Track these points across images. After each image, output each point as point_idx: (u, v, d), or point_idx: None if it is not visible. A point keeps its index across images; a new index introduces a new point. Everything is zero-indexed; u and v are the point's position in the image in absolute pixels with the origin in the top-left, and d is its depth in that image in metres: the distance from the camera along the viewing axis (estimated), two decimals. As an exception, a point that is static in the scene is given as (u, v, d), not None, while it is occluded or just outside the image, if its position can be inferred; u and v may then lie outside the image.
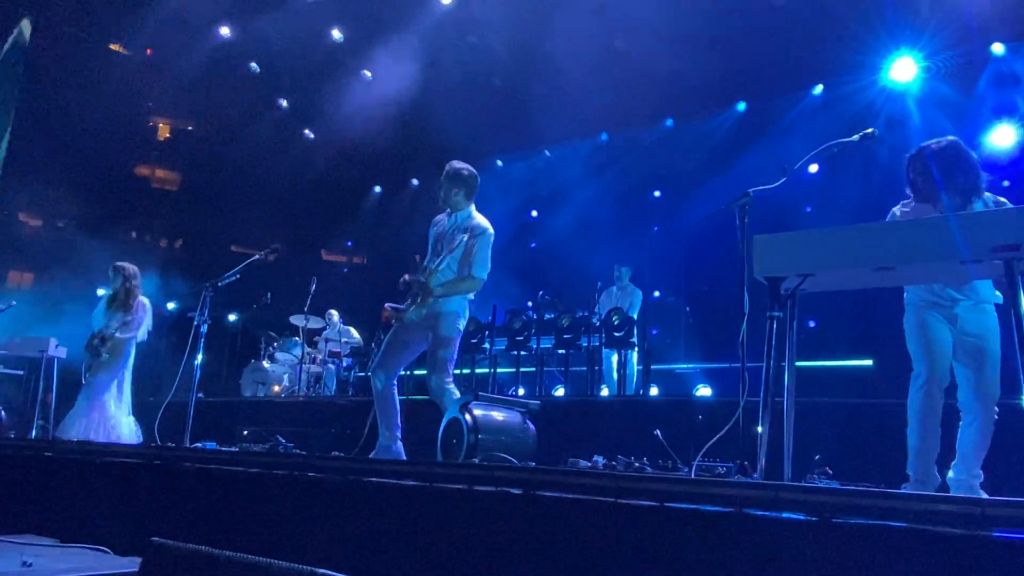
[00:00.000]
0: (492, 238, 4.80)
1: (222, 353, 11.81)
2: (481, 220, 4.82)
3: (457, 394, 4.68)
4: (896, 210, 3.80)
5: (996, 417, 3.46)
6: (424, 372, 5.00)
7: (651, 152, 11.66)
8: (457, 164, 4.87)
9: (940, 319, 3.57)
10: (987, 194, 3.61)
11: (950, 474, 3.52)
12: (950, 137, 3.66)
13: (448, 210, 4.89)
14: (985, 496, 3.19)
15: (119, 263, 6.80)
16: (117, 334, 6.56)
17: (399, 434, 4.76)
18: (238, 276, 5.92)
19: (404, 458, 4.73)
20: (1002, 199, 3.58)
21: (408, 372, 7.30)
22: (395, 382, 4.83)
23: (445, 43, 10.98)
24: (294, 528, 3.20)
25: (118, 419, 6.54)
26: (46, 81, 11.95)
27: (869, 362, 7.51)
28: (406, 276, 4.84)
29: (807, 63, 9.70)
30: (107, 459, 4.10)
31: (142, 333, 6.69)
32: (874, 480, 3.53)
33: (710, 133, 11.18)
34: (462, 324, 4.81)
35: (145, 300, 6.76)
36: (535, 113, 10.83)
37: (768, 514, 2.12)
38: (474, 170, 4.91)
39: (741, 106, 11.06)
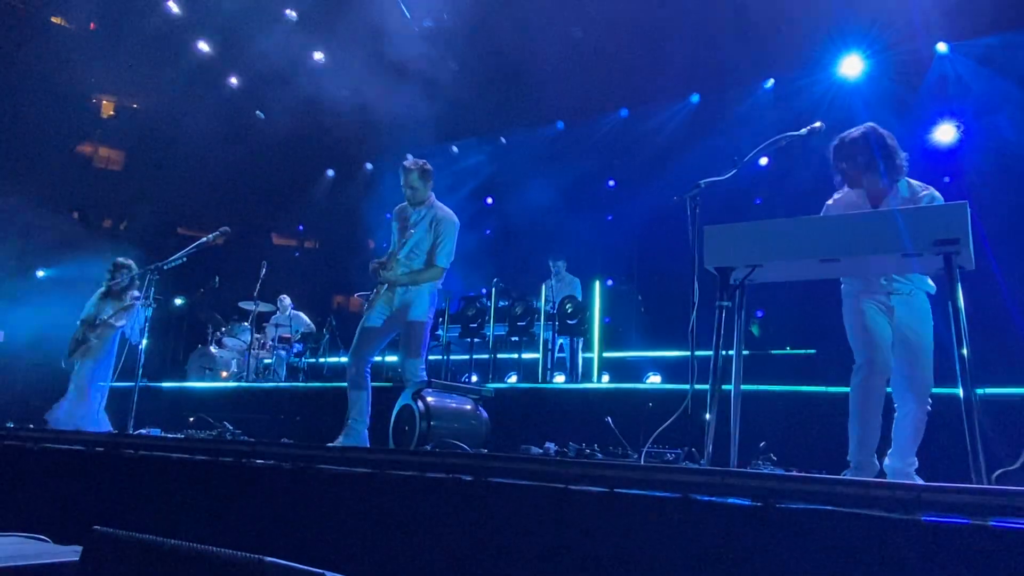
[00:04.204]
0: (458, 228, 5.02)
1: (168, 338, 11.55)
2: (447, 211, 5.04)
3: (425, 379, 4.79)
4: (829, 202, 3.92)
5: (929, 408, 3.57)
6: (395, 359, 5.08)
7: (606, 141, 11.73)
8: (418, 160, 5.07)
9: (878, 310, 3.66)
10: (912, 180, 3.73)
11: (886, 462, 3.63)
12: (868, 124, 3.81)
13: (411, 201, 5.04)
14: (921, 482, 3.30)
15: (121, 260, 6.96)
16: (110, 320, 6.64)
17: (368, 420, 4.85)
18: (184, 259, 5.80)
19: (368, 445, 4.77)
20: (929, 188, 3.70)
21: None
22: (368, 369, 4.94)
23: (400, 26, 10.85)
24: (241, 516, 3.16)
25: (102, 412, 6.55)
26: (-18, 54, 11.46)
27: (812, 351, 7.69)
28: (375, 263, 4.95)
29: (759, 57, 9.85)
30: (46, 446, 3.98)
31: (136, 333, 6.64)
32: (817, 466, 3.63)
33: (664, 124, 11.28)
34: (432, 311, 4.98)
35: (137, 294, 6.72)
36: (491, 100, 10.80)
37: (714, 499, 2.17)
38: None
39: (695, 98, 11.19)
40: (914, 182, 3.73)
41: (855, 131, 3.79)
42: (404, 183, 4.98)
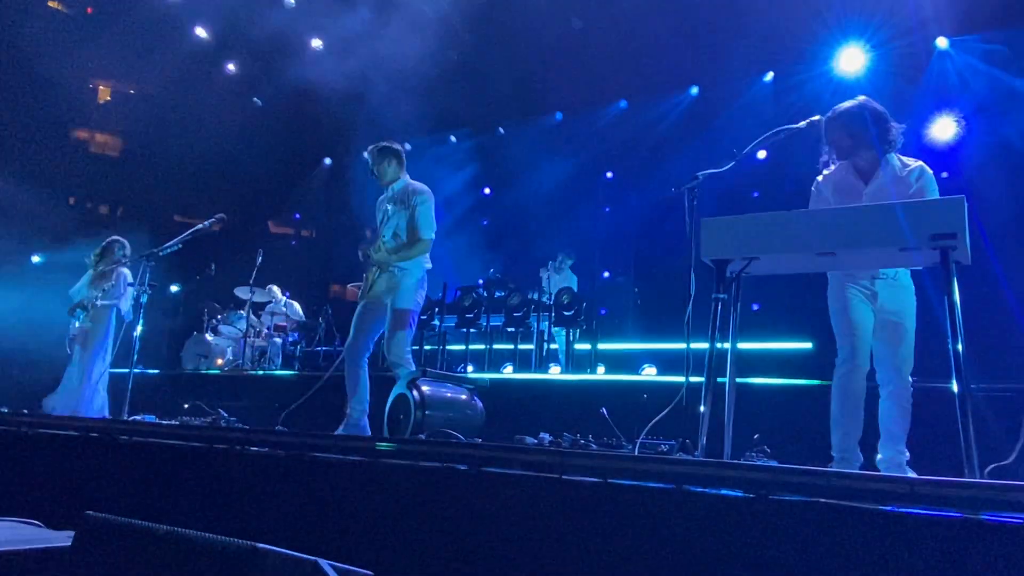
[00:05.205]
0: (432, 199, 5.05)
1: (163, 325, 11.52)
2: (419, 185, 5.10)
3: (413, 365, 4.81)
4: (819, 178, 3.91)
5: (912, 388, 3.56)
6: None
7: (605, 133, 11.70)
8: (382, 143, 5.20)
9: (862, 299, 3.67)
10: (902, 156, 3.74)
11: (878, 455, 3.63)
12: (860, 97, 3.80)
13: (383, 181, 5.15)
14: (914, 475, 3.31)
15: (114, 238, 6.90)
16: (99, 301, 6.57)
17: (367, 408, 4.87)
18: (180, 246, 5.79)
19: (369, 434, 4.79)
20: (919, 162, 3.70)
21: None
22: (366, 358, 4.96)
23: (400, 14, 10.78)
24: (235, 503, 3.16)
25: (103, 394, 6.54)
26: (-21, 37, 11.37)
27: (809, 345, 7.71)
28: (363, 248, 4.97)
29: (759, 50, 9.82)
30: (40, 431, 3.97)
31: (125, 305, 6.61)
32: (810, 459, 3.63)
33: (663, 116, 11.26)
34: (421, 296, 4.99)
35: (126, 271, 6.68)
36: (489, 89, 10.74)
37: (708, 491, 2.17)
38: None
39: (694, 90, 11.16)
40: (904, 157, 3.73)
41: (849, 102, 3.79)
42: (372, 166, 5.15)
